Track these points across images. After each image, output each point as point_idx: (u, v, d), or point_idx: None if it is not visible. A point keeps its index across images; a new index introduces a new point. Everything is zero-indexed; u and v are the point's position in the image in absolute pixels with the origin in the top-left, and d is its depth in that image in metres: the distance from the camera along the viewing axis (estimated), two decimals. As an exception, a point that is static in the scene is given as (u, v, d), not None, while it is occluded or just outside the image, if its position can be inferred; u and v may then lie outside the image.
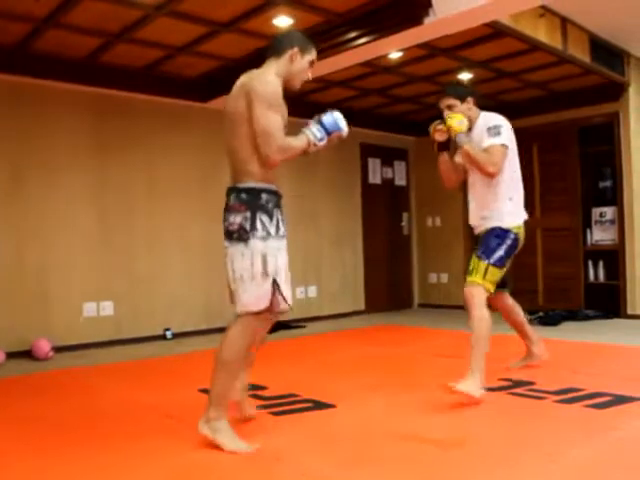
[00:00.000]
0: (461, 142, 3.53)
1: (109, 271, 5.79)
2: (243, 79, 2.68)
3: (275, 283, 2.54)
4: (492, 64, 5.97)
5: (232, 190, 2.64)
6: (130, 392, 3.75)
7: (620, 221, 6.79)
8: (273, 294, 2.55)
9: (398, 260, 8.50)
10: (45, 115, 5.47)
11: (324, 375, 3.50)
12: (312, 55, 2.89)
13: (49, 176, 5.46)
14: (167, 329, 6.07)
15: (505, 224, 3.55)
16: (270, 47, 2.85)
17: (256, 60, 5.43)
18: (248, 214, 2.54)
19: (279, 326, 6.50)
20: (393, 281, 8.42)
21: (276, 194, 2.64)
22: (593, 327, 6.11)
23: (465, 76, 6.33)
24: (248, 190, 2.57)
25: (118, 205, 5.87)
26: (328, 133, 2.71)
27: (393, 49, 5.20)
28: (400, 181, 8.59)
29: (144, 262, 6.01)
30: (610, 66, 6.19)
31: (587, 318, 6.59)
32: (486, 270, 3.43)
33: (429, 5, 4.28)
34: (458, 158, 3.80)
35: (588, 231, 7.15)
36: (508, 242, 3.51)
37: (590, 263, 7.13)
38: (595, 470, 2.29)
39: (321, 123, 2.72)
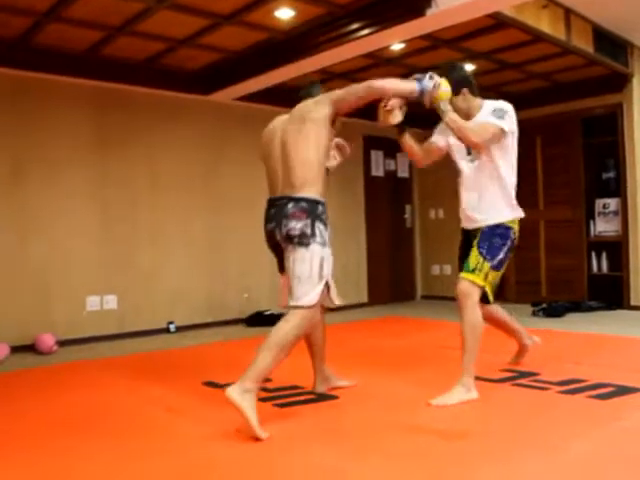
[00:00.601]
0: (445, 109, 3.22)
1: (112, 265, 5.79)
2: (312, 101, 3.05)
3: (327, 285, 2.85)
4: (495, 55, 5.94)
5: (290, 199, 2.87)
6: (134, 386, 3.76)
7: (624, 212, 6.77)
8: (325, 293, 2.86)
9: (401, 252, 8.50)
10: (46, 109, 5.46)
11: (327, 367, 3.51)
12: None
13: (51, 170, 5.46)
14: (170, 322, 6.08)
15: (507, 219, 3.37)
16: (305, 92, 3.31)
17: (258, 53, 5.47)
18: (308, 221, 2.82)
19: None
20: (396, 273, 8.42)
21: (325, 207, 2.94)
22: (596, 318, 6.11)
23: (468, 67, 6.30)
24: (308, 200, 2.85)
25: (120, 199, 5.87)
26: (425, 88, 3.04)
27: (395, 40, 5.18)
28: (403, 173, 8.58)
29: (147, 256, 6.01)
30: (614, 57, 6.15)
31: (590, 309, 6.59)
32: (488, 271, 3.26)
33: (431, -4, 4.27)
34: (436, 138, 3.62)
35: (591, 222, 7.13)
36: (509, 243, 3.35)
37: (593, 254, 7.11)
38: (598, 461, 2.29)
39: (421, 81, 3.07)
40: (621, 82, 6.61)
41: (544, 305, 6.54)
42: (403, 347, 4.89)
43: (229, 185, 6.59)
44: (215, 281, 6.42)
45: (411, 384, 3.53)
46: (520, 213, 3.48)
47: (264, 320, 6.25)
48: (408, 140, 3.60)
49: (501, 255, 3.30)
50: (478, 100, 3.45)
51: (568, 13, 5.33)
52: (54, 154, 5.48)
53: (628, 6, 5.34)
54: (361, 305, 7.83)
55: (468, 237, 3.49)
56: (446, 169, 8.41)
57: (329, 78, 6.30)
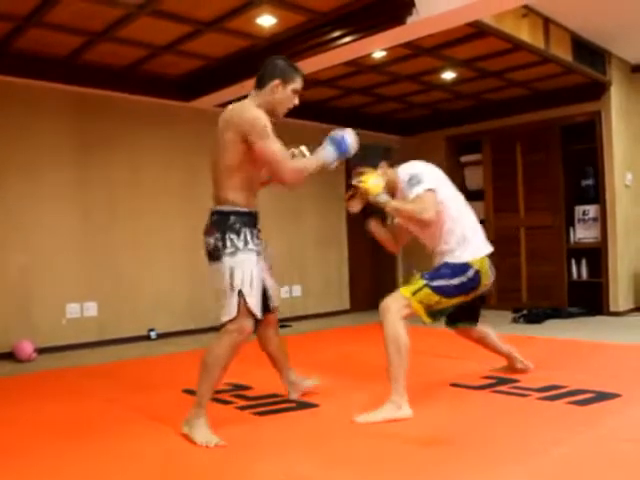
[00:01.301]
0: (383, 201, 3.22)
1: (92, 272, 5.75)
2: (226, 115, 2.87)
3: (241, 294, 2.72)
4: (475, 63, 6.00)
5: (215, 213, 2.86)
6: (114, 394, 3.73)
7: (602, 219, 6.84)
8: (241, 304, 2.72)
9: (383, 259, 8.49)
10: (27, 115, 5.42)
11: (308, 375, 3.50)
12: (296, 84, 3.01)
13: (31, 176, 5.41)
14: (151, 329, 6.05)
15: (463, 260, 3.26)
16: (256, 78, 2.99)
17: (239, 60, 5.46)
18: (219, 235, 2.78)
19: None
20: (378, 280, 8.43)
21: (247, 214, 2.83)
22: (576, 325, 6.16)
23: (449, 75, 6.36)
24: (220, 212, 2.82)
25: (101, 205, 5.83)
26: (341, 152, 2.95)
27: (377, 48, 5.21)
28: (384, 180, 8.59)
29: (128, 262, 5.98)
30: (592, 66, 6.23)
31: (570, 316, 6.64)
32: (420, 288, 3.17)
33: (412, 5, 4.30)
34: (397, 219, 3.51)
35: (571, 229, 7.20)
36: (463, 278, 3.22)
37: (573, 261, 7.18)
38: (577, 466, 2.31)
39: (335, 143, 2.94)
40: (599, 90, 6.69)
41: (524, 311, 6.59)
42: (383, 354, 4.87)
43: (210, 191, 6.54)
44: (197, 287, 6.39)
45: (388, 392, 3.52)
46: (482, 253, 3.33)
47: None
48: (375, 229, 3.54)
49: (443, 282, 3.19)
50: (394, 170, 3.42)
51: (547, 22, 5.39)
52: (35, 160, 5.44)
53: (606, 16, 5.42)
54: (343, 312, 7.83)
55: None
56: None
57: (311, 85, 6.30)
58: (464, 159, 8.29)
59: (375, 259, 8.37)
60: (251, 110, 2.81)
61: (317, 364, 4.47)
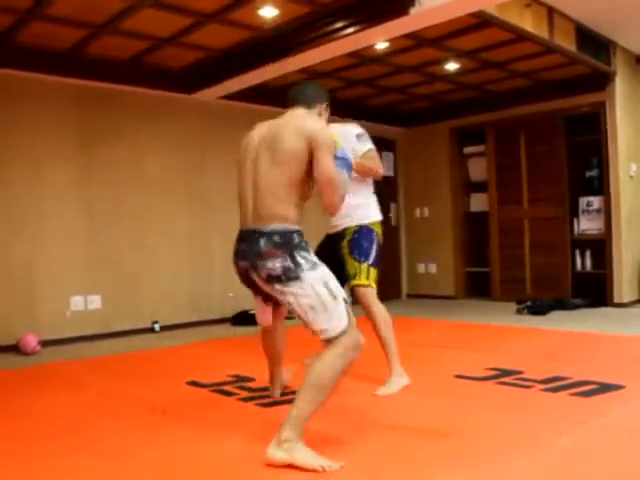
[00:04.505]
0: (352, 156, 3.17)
1: (96, 265, 5.75)
2: (298, 121, 2.63)
3: (346, 302, 2.53)
4: (478, 54, 5.96)
5: (260, 234, 2.55)
6: (118, 386, 3.74)
7: (607, 210, 6.82)
8: (350, 313, 2.53)
9: (386, 251, 8.46)
10: (30, 108, 5.41)
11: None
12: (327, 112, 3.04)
13: (35, 169, 5.41)
14: (155, 322, 6.05)
15: (369, 221, 3.73)
16: (300, 94, 2.88)
17: (242, 51, 5.45)
18: (287, 256, 2.50)
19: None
20: (381, 272, 8.29)
21: (302, 234, 2.62)
22: (580, 316, 6.15)
23: (452, 66, 6.33)
24: (281, 234, 2.53)
25: (104, 198, 5.83)
26: (349, 170, 2.81)
27: (379, 39, 5.18)
28: (388, 172, 8.56)
29: (131, 255, 5.98)
30: (596, 56, 6.19)
31: (575, 307, 6.62)
32: (368, 270, 3.63)
33: (415, -5, 4.28)
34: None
35: (575, 220, 7.18)
36: (374, 243, 3.72)
37: (577, 252, 7.16)
38: (580, 457, 2.31)
39: (345, 166, 2.74)
40: (604, 81, 6.65)
41: (528, 303, 6.57)
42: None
43: (213, 184, 6.56)
44: (200, 280, 6.39)
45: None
46: (380, 217, 3.88)
47: (250, 319, 6.24)
48: None
49: (374, 253, 3.74)
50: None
51: (551, 12, 5.35)
52: (38, 154, 5.43)
53: (610, 5, 5.38)
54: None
55: (331, 242, 3.75)
56: (432, 169, 8.41)
57: (313, 77, 6.29)
58: (467, 150, 8.27)
59: (378, 251, 8.34)
60: (321, 122, 2.73)
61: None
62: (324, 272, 2.53)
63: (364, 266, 3.59)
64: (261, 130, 2.70)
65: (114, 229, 5.88)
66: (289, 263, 2.48)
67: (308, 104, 2.83)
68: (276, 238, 2.52)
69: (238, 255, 2.69)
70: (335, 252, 3.62)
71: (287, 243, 2.51)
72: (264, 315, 3.07)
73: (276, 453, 2.31)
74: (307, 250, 2.56)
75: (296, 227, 2.58)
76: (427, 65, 6.30)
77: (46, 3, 4.34)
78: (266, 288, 2.61)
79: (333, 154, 2.58)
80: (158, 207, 6.21)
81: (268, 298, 2.82)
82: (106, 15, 4.63)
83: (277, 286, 2.53)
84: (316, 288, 2.47)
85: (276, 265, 2.49)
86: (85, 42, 5.17)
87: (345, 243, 3.63)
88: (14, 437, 2.78)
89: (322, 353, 2.48)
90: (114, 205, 5.89)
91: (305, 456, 2.31)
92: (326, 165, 2.52)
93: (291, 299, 2.51)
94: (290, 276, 2.48)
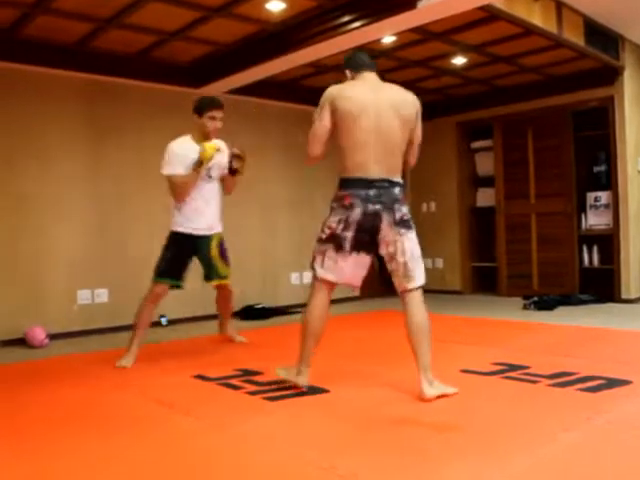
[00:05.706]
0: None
1: (103, 258, 5.77)
2: (406, 94, 3.19)
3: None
4: (486, 48, 5.94)
5: (392, 183, 3.04)
6: (125, 379, 3.75)
7: (615, 206, 6.79)
8: None
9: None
10: (37, 102, 5.42)
11: (319, 360, 3.48)
12: None
13: (42, 163, 5.42)
14: (162, 316, 6.06)
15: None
16: (370, 60, 3.44)
17: (249, 45, 5.44)
18: (407, 206, 3.11)
19: (274, 312, 6.50)
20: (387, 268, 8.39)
21: None
22: (587, 311, 6.14)
23: (459, 60, 6.30)
24: (402, 186, 3.08)
25: (112, 192, 5.84)
26: None
27: (386, 33, 5.16)
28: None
29: (138, 249, 5.98)
30: (605, 50, 6.16)
31: (582, 302, 6.61)
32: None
33: (423, -12, 4.26)
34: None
35: (583, 216, 7.15)
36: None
37: (585, 248, 7.14)
38: (587, 453, 2.30)
39: None
40: (612, 75, 6.61)
41: (535, 298, 6.56)
42: (394, 340, 4.88)
43: (221, 178, 6.55)
44: (207, 274, 6.40)
45: (401, 377, 3.53)
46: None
47: (256, 313, 6.25)
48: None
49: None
50: None
51: (560, 6, 5.32)
52: (45, 147, 5.45)
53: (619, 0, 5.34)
54: (353, 298, 7.83)
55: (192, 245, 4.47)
56: (439, 164, 8.38)
57: (321, 71, 6.28)
58: (475, 145, 8.25)
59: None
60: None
61: (327, 350, 4.47)
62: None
63: (229, 269, 4.53)
64: (376, 91, 3.18)
65: (122, 222, 5.89)
66: (408, 212, 3.07)
67: (375, 70, 3.36)
68: (402, 189, 3.07)
69: (369, 200, 2.99)
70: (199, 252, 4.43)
71: (404, 193, 3.10)
72: (355, 277, 3.29)
73: (431, 391, 2.96)
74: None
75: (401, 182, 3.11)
76: (434, 59, 6.28)
77: (53, -3, 4.35)
78: (389, 232, 3.03)
79: None
80: (165, 200, 6.19)
81: (369, 250, 3.16)
82: (113, 9, 4.63)
83: (402, 229, 3.03)
84: (415, 240, 3.10)
85: (406, 210, 3.05)
86: (92, 36, 5.17)
87: (214, 245, 4.39)
88: (21, 430, 2.79)
89: (413, 303, 3.12)
90: (122, 198, 5.90)
91: (447, 388, 3.03)
92: (419, 132, 3.18)
93: (404, 245, 3.04)
94: (410, 224, 3.08)
